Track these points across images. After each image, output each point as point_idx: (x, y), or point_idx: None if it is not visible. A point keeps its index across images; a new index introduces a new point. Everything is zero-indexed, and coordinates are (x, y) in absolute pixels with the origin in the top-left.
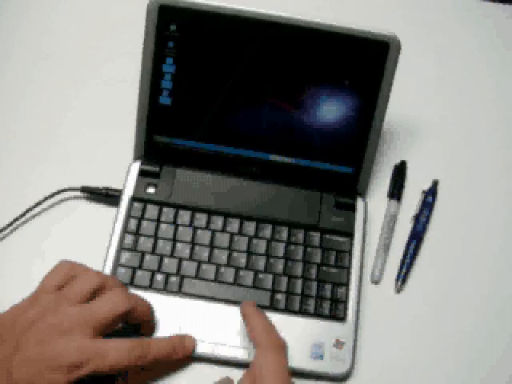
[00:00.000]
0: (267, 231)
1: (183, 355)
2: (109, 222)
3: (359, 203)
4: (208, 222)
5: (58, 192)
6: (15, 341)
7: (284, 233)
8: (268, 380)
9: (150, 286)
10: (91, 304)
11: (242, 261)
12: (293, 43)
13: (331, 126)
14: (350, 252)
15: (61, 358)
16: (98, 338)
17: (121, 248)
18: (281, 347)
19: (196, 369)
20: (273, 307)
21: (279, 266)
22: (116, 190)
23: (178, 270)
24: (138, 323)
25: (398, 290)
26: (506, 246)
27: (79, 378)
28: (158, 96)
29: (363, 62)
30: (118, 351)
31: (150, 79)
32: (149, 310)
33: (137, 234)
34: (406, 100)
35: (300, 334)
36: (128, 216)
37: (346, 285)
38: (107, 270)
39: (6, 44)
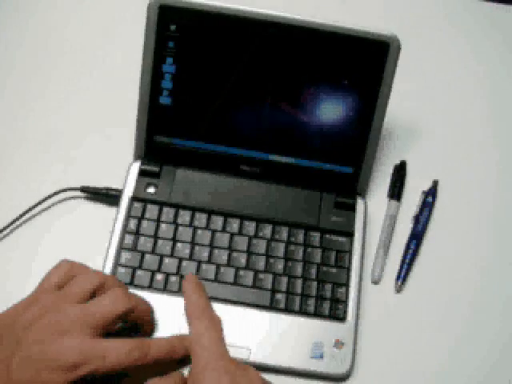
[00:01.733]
0: (267, 231)
1: (183, 355)
2: (109, 222)
3: (359, 203)
4: (208, 222)
5: (58, 192)
6: (15, 340)
7: (284, 233)
8: (204, 353)
9: (150, 286)
10: (91, 304)
11: (242, 261)
12: (293, 43)
13: (331, 125)
14: (349, 252)
15: (60, 357)
16: (97, 338)
17: (121, 248)
18: (215, 321)
19: None
20: (273, 307)
21: (279, 266)
22: (116, 190)
23: (178, 269)
24: (137, 323)
25: (398, 290)
26: (506, 246)
27: (79, 378)
28: (158, 96)
29: (363, 62)
30: (117, 351)
31: (150, 79)
32: (149, 310)
33: (137, 233)
34: (406, 100)
35: (300, 334)
36: (128, 216)
37: (346, 285)
38: (107, 270)
39: (6, 44)
